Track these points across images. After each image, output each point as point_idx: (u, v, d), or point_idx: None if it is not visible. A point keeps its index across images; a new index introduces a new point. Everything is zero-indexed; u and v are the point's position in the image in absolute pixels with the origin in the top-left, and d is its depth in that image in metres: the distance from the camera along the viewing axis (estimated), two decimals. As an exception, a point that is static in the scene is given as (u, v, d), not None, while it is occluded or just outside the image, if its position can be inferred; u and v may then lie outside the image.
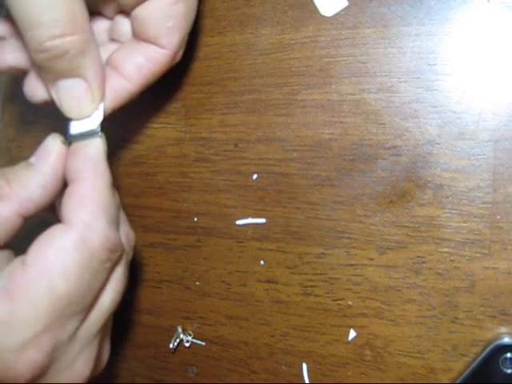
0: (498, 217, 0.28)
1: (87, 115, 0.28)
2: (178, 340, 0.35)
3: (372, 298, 0.31)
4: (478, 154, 0.29)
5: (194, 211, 0.35)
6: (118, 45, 0.30)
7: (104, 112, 0.28)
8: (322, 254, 0.32)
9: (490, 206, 0.29)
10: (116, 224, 0.27)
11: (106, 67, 0.29)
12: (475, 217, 0.29)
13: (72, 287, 0.24)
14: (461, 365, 0.29)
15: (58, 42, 0.24)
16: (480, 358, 0.28)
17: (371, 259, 0.31)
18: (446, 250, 0.29)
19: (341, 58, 0.31)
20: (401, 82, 0.30)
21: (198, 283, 0.35)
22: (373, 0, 0.31)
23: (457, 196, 0.29)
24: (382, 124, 0.31)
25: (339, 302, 0.32)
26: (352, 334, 0.31)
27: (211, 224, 0.35)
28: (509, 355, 0.28)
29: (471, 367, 0.28)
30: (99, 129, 0.28)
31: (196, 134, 0.35)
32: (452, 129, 0.29)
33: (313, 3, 0.32)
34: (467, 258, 0.29)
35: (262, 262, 0.33)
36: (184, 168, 0.35)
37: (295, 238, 0.33)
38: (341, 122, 0.31)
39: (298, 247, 0.33)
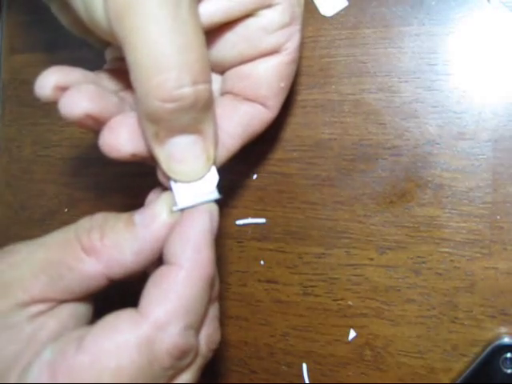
0: (498, 217, 0.28)
1: (199, 178, 0.23)
2: (177, 340, 0.35)
3: (372, 297, 0.31)
4: (478, 154, 0.29)
5: (194, 211, 0.35)
6: None
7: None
8: (322, 254, 0.32)
9: (490, 206, 0.29)
10: (196, 328, 0.23)
11: None
12: (475, 217, 0.29)
13: None
14: (461, 365, 0.29)
15: (189, 90, 0.20)
16: (480, 358, 0.28)
17: (371, 259, 0.31)
18: (446, 250, 0.29)
19: (341, 58, 0.31)
20: (401, 82, 0.30)
21: (197, 283, 0.35)
22: (373, 0, 0.31)
23: (457, 196, 0.29)
24: (382, 124, 0.31)
25: (339, 301, 0.32)
26: (352, 334, 0.31)
27: (211, 224, 0.35)
28: (509, 355, 0.28)
29: (471, 367, 0.28)
30: (217, 192, 0.24)
31: (196, 133, 0.35)
32: (452, 129, 0.29)
33: (313, 3, 0.32)
34: (467, 258, 0.29)
35: (262, 262, 0.33)
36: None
37: (295, 238, 0.33)
38: (341, 122, 0.31)
39: (298, 247, 0.32)
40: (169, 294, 0.22)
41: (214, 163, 0.24)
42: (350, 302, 0.31)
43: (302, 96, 0.32)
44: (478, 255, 0.29)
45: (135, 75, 0.20)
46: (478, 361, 0.28)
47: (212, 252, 0.23)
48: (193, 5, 0.21)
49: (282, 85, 0.26)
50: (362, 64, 0.31)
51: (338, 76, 0.31)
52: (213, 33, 0.25)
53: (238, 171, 0.34)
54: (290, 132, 0.32)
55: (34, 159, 0.40)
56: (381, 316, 0.31)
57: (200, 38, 0.21)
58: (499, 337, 0.28)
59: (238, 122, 0.26)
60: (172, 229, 0.23)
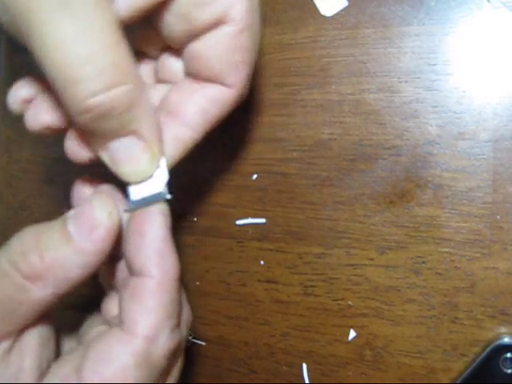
0: (498, 217, 0.28)
1: (148, 176, 0.23)
2: (177, 340, 0.35)
3: (372, 297, 0.31)
4: (478, 154, 0.29)
5: (194, 211, 0.35)
6: (169, 86, 0.26)
7: (168, 168, 0.24)
8: (322, 253, 0.32)
9: (490, 205, 0.29)
10: (179, 323, 0.24)
11: (162, 114, 0.25)
12: (475, 217, 0.29)
13: None
14: (461, 365, 0.29)
15: (101, 98, 0.19)
16: (480, 358, 0.28)
17: (371, 259, 0.31)
18: (446, 250, 0.29)
19: (341, 58, 0.31)
20: (401, 82, 0.30)
21: (197, 283, 0.35)
22: (373, 0, 0.31)
23: (457, 196, 0.29)
24: (382, 124, 0.31)
25: (339, 302, 0.32)
26: (352, 334, 0.31)
27: (211, 224, 0.35)
28: (509, 355, 0.28)
29: (471, 367, 0.28)
30: (166, 190, 0.23)
31: (196, 133, 0.35)
32: (452, 129, 0.29)
33: (313, 3, 0.32)
34: (467, 257, 0.29)
35: (261, 262, 0.33)
36: (184, 168, 0.35)
37: (295, 238, 0.33)
38: (341, 122, 0.31)
39: (298, 247, 0.32)
40: (149, 306, 0.22)
41: (168, 160, 0.24)
42: (350, 302, 0.31)
43: (302, 96, 0.32)
44: (478, 255, 0.29)
45: (54, 89, 0.20)
46: (478, 361, 0.28)
47: (174, 252, 0.23)
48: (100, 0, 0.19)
49: (238, 58, 0.24)
50: (362, 64, 0.31)
51: (338, 76, 0.31)
52: (154, 15, 0.23)
53: (237, 171, 0.34)
54: (289, 132, 0.32)
55: (34, 159, 0.40)
56: (381, 316, 0.31)
57: (113, 37, 0.19)
58: (499, 337, 0.28)
59: (195, 110, 0.24)
60: (130, 233, 0.23)
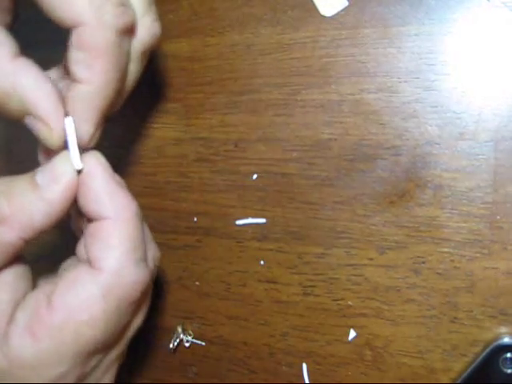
0: (498, 217, 0.28)
1: (61, 141, 0.25)
2: (177, 340, 0.35)
3: (372, 297, 0.31)
4: (478, 154, 0.29)
5: (194, 211, 0.35)
6: None
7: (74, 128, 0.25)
8: (322, 254, 0.32)
9: (490, 206, 0.29)
10: (144, 258, 0.26)
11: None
12: (475, 217, 0.29)
13: (99, 333, 0.24)
14: (461, 365, 0.29)
15: None
16: (480, 358, 0.28)
17: (371, 259, 0.31)
18: (446, 250, 0.29)
19: (340, 58, 0.31)
20: (400, 82, 0.30)
21: (197, 283, 0.35)
22: (372, 0, 0.31)
23: (457, 196, 0.29)
24: (381, 124, 0.31)
25: (339, 302, 0.32)
26: (352, 334, 0.31)
27: (211, 224, 0.35)
28: (509, 355, 0.28)
29: (471, 367, 0.28)
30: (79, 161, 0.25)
31: (196, 134, 0.35)
32: (452, 129, 0.29)
33: (313, 3, 0.32)
34: (467, 257, 0.29)
35: (261, 262, 0.33)
36: (183, 168, 0.35)
37: (295, 238, 0.33)
38: (341, 122, 0.31)
39: (297, 247, 0.32)
40: (111, 243, 0.24)
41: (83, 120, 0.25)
42: (349, 302, 0.31)
43: (302, 96, 0.32)
44: (478, 255, 0.29)
45: None
46: (477, 361, 0.28)
47: (125, 191, 0.25)
48: None
49: None
50: (362, 64, 0.31)
51: (338, 76, 0.31)
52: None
53: (237, 171, 0.34)
54: (289, 132, 0.32)
55: (35, 159, 0.40)
56: (381, 316, 0.31)
57: None
58: (499, 337, 0.28)
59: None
60: (77, 186, 0.24)
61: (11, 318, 0.24)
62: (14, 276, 0.25)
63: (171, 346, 0.35)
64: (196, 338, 0.35)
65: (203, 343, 0.35)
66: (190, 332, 0.35)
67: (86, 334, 0.23)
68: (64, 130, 0.24)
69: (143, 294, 0.25)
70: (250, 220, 0.34)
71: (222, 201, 0.34)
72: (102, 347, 0.25)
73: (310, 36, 0.32)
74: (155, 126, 0.36)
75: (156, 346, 0.37)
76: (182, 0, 0.35)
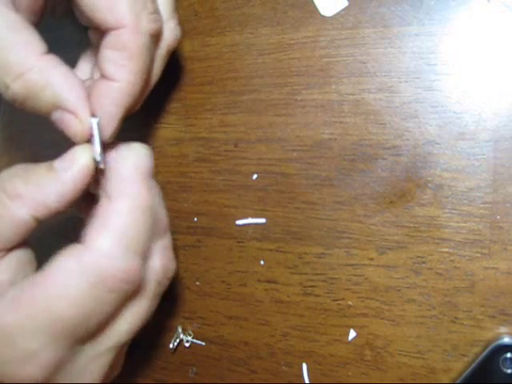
0: (498, 217, 0.28)
1: (88, 135, 0.26)
2: (177, 340, 0.35)
3: (372, 297, 0.31)
4: (478, 154, 0.29)
5: (194, 211, 0.35)
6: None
7: (101, 127, 0.26)
8: (322, 253, 0.32)
9: (489, 206, 0.29)
10: (141, 254, 0.25)
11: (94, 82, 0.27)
12: (475, 217, 0.29)
13: (74, 312, 0.23)
14: (461, 365, 0.29)
15: (15, 87, 0.24)
16: (480, 358, 0.28)
17: (371, 259, 0.31)
18: (446, 250, 0.29)
19: (341, 58, 0.31)
20: (401, 82, 0.30)
21: (197, 283, 0.35)
22: (373, 0, 0.31)
23: (457, 196, 0.29)
24: (381, 124, 0.31)
25: (339, 302, 0.32)
26: (352, 333, 0.31)
27: (211, 224, 0.35)
28: (509, 355, 0.28)
29: (471, 367, 0.28)
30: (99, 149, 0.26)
31: (196, 133, 0.35)
32: (452, 129, 0.29)
33: (313, 3, 0.32)
34: (467, 257, 0.29)
35: (262, 262, 0.33)
36: (184, 168, 0.35)
37: (295, 238, 0.33)
38: (341, 122, 0.31)
39: (297, 247, 0.32)
40: (107, 223, 0.24)
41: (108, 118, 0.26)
42: (349, 302, 0.31)
43: (302, 96, 0.32)
44: (478, 255, 0.29)
45: None
46: (477, 361, 0.28)
47: (146, 185, 0.26)
48: None
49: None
50: (362, 64, 0.31)
51: (338, 76, 0.31)
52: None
53: (238, 171, 0.34)
54: (289, 132, 0.32)
55: (34, 159, 0.40)
56: (381, 316, 0.31)
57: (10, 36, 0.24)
58: (499, 337, 0.28)
59: (109, 61, 0.26)
60: (92, 172, 0.25)
61: (3, 293, 0.24)
62: (17, 261, 0.26)
63: (171, 345, 0.35)
64: (196, 338, 0.35)
65: (203, 343, 0.35)
66: (190, 332, 0.35)
67: (60, 309, 0.23)
68: (91, 124, 0.25)
69: (129, 285, 0.25)
70: (250, 220, 0.34)
71: (222, 201, 0.34)
72: (80, 331, 0.24)
73: (310, 36, 0.32)
74: (155, 125, 0.36)
75: (156, 345, 0.37)
76: (183, 0, 0.35)
